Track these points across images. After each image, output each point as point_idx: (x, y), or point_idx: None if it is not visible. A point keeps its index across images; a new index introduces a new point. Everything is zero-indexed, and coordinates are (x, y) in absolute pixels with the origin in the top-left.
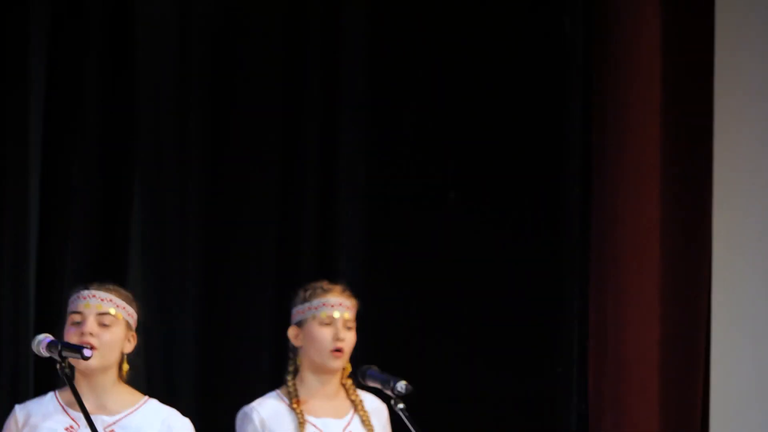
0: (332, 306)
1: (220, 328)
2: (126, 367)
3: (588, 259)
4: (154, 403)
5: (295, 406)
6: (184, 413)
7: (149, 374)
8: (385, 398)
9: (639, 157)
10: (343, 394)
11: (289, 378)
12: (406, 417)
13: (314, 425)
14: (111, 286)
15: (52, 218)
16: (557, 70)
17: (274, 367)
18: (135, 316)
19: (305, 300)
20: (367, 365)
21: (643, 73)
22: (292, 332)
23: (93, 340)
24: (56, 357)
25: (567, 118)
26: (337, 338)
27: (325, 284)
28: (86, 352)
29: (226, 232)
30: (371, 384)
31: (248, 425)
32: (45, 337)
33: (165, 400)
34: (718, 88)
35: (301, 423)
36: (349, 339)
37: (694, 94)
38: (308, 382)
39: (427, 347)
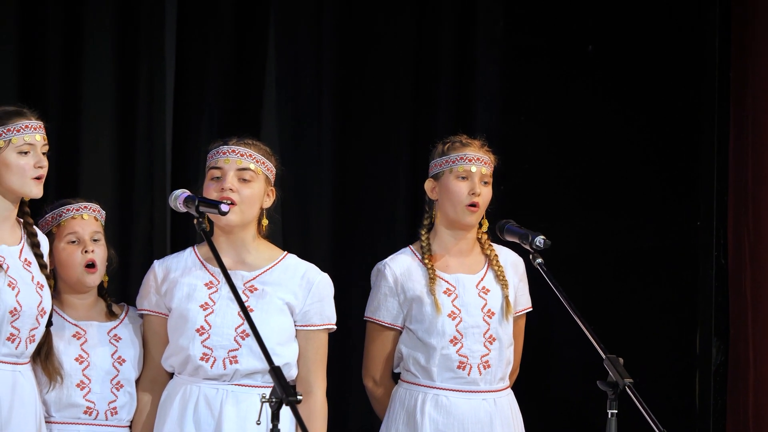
0: (470, 160)
1: (355, 182)
2: (265, 222)
3: (728, 113)
4: (293, 259)
5: (427, 261)
6: (321, 268)
7: (286, 229)
8: (520, 251)
9: None
10: (477, 249)
11: (423, 232)
12: (544, 271)
13: (446, 281)
14: (250, 141)
15: (188, 71)
16: None
17: (409, 222)
18: (274, 170)
19: (443, 153)
20: (505, 219)
21: None
22: (428, 185)
23: (233, 196)
24: (193, 212)
25: None
26: (472, 192)
27: (464, 138)
28: (223, 208)
29: (360, 84)
30: (509, 238)
31: (382, 281)
32: (182, 192)
33: (301, 254)
34: None
35: (432, 279)
36: (485, 194)
37: None
38: (442, 237)
39: (565, 200)
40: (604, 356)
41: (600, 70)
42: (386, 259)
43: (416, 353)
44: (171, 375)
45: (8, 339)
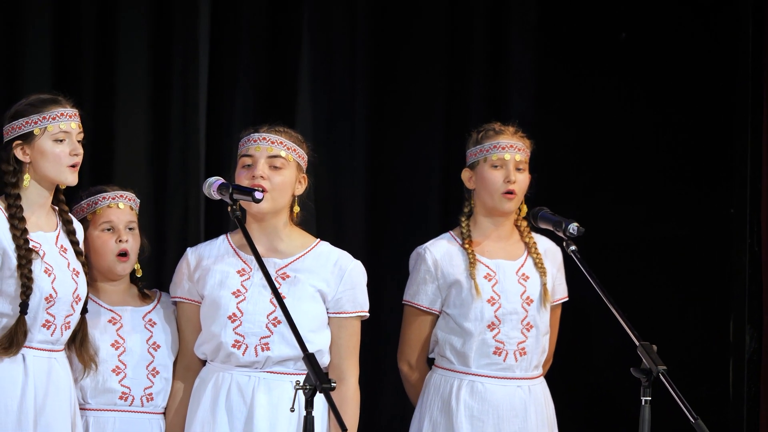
0: (503, 148)
1: (389, 169)
2: (297, 209)
3: (761, 99)
4: (325, 246)
5: (467, 246)
6: (354, 255)
7: (319, 216)
8: (557, 240)
9: None
10: (516, 235)
11: (462, 219)
12: (578, 259)
13: (486, 266)
14: (281, 128)
15: (221, 58)
16: None
17: (443, 209)
18: (305, 157)
19: (477, 142)
20: (539, 207)
21: None
22: (465, 175)
23: (264, 183)
24: (227, 199)
25: None
26: (508, 180)
27: (497, 126)
28: (257, 195)
29: (394, 71)
30: (543, 226)
31: (421, 265)
32: (216, 180)
33: (334, 242)
34: None
35: (472, 263)
36: (521, 181)
37: None
38: (481, 224)
39: (598, 188)
40: (637, 343)
41: (633, 58)
42: (426, 244)
43: (452, 338)
44: (204, 362)
45: (44, 326)
